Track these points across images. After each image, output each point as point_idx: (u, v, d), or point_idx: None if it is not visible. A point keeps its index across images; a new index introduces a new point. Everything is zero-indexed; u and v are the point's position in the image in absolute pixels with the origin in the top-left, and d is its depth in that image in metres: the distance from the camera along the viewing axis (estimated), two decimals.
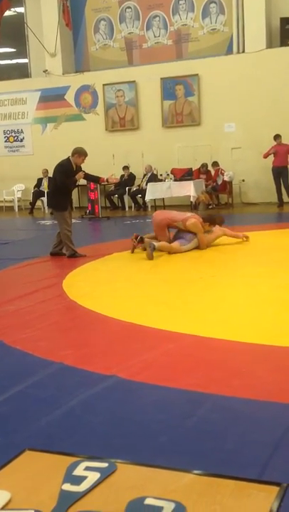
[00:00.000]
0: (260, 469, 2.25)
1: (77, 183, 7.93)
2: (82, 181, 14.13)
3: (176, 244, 7.69)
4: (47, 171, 14.38)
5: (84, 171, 7.72)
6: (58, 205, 7.79)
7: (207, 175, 14.16)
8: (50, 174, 14.59)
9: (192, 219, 7.76)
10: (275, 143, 12.96)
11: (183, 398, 3.02)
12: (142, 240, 7.76)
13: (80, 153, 7.63)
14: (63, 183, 7.59)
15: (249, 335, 4.00)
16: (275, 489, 2.10)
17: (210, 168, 14.18)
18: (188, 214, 8.04)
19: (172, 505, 2.03)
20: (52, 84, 16.00)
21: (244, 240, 8.09)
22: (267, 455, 2.36)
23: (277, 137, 12.94)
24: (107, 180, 8.24)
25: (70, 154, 7.68)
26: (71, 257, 7.61)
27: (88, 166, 7.95)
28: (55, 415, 2.87)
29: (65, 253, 7.74)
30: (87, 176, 7.88)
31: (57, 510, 2.05)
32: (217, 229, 8.05)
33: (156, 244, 7.50)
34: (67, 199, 7.83)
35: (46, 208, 14.49)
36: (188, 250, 7.67)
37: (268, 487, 2.12)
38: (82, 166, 7.75)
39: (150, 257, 7.27)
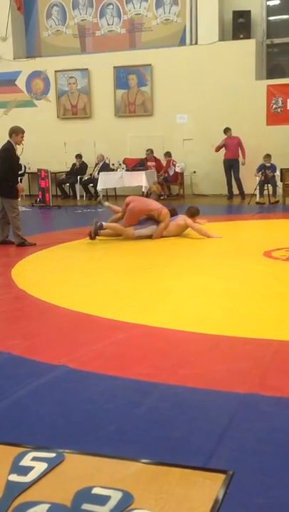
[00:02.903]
0: (206, 457, 2.29)
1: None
2: (33, 169, 14.03)
3: (130, 228, 7.76)
4: None
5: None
6: (6, 192, 7.66)
7: (156, 162, 14.14)
8: None
9: (165, 209, 8.00)
10: (225, 136, 13.10)
11: (132, 387, 3.03)
12: (101, 227, 7.78)
13: (17, 131, 7.64)
14: (11, 168, 7.58)
15: (197, 325, 4.05)
16: (221, 477, 2.13)
17: (162, 157, 14.15)
18: (160, 205, 8.21)
19: (120, 494, 2.04)
20: (2, 69, 15.65)
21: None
22: (213, 443, 2.40)
23: (227, 130, 13.06)
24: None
25: (8, 137, 7.65)
26: (20, 246, 7.51)
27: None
28: (3, 405, 2.83)
29: (14, 241, 7.63)
30: None
31: (3, 501, 2.03)
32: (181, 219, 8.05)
33: (104, 223, 7.59)
34: (16, 185, 7.73)
35: None
36: (140, 236, 7.74)
37: (213, 475, 2.15)
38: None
39: (93, 236, 7.50)
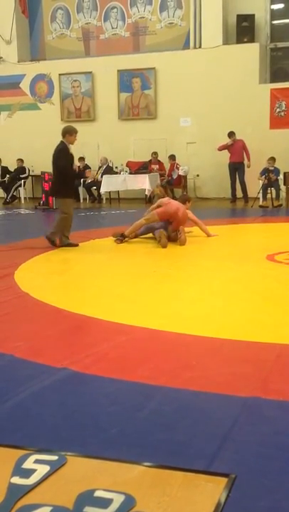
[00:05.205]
0: (208, 461, 2.28)
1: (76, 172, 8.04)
2: (37, 172, 14.04)
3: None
4: (0, 160, 14.14)
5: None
6: (59, 192, 7.78)
7: (159, 165, 14.17)
8: (3, 163, 14.46)
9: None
10: (229, 140, 13.09)
11: (134, 390, 3.03)
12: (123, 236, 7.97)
13: (71, 131, 7.61)
14: (65, 168, 7.59)
15: (200, 328, 4.04)
16: (224, 480, 2.13)
17: (166, 160, 14.17)
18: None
19: (122, 498, 2.03)
20: (6, 72, 15.71)
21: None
22: (215, 447, 2.40)
23: (231, 134, 13.06)
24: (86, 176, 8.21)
25: (61, 137, 7.66)
26: (51, 243, 7.67)
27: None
28: (5, 408, 2.83)
29: (66, 242, 7.74)
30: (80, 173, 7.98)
31: (5, 504, 2.03)
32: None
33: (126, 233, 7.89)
34: (71, 186, 7.83)
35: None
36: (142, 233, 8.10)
37: (216, 478, 2.14)
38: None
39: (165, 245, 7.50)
